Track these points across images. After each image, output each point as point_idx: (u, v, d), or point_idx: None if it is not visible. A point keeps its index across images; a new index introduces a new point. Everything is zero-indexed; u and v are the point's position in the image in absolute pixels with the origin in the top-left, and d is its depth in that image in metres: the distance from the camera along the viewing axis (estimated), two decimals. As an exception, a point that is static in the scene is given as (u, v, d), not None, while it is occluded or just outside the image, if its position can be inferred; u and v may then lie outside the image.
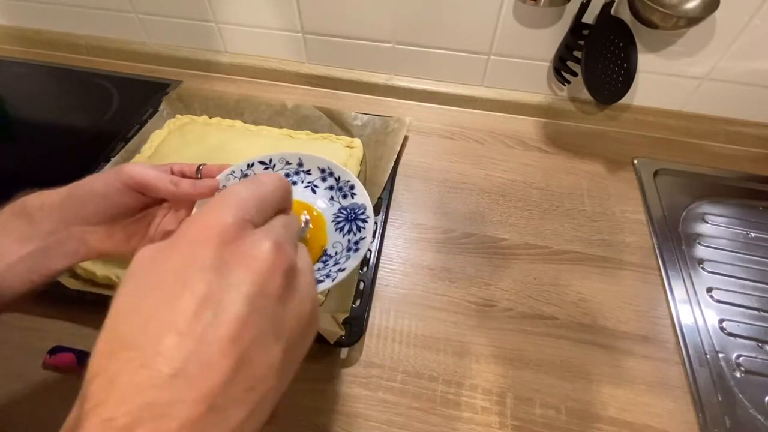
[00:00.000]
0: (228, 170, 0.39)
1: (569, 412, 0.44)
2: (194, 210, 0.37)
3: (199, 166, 0.38)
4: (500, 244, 0.57)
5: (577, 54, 0.62)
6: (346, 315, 0.47)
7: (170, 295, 0.17)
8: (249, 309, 0.17)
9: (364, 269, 0.52)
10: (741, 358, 0.48)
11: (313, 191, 0.42)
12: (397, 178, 0.63)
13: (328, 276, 0.35)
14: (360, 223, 0.40)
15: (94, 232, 0.35)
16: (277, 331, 0.19)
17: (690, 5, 0.54)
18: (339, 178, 0.42)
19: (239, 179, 0.38)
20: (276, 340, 0.18)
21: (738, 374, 0.47)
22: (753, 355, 0.49)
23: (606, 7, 0.57)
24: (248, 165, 0.40)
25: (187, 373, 0.16)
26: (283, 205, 0.24)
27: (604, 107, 0.69)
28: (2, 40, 0.80)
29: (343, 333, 0.45)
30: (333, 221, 0.41)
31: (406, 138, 0.65)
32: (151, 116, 0.66)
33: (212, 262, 0.18)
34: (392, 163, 0.60)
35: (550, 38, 0.63)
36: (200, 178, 0.37)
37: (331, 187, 0.42)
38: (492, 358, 0.47)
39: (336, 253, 0.38)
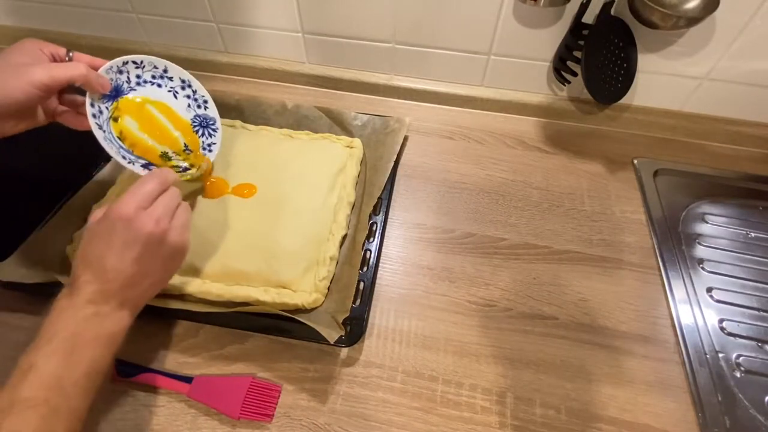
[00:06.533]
0: (107, 65, 0.46)
1: (569, 412, 0.44)
2: (86, 100, 0.44)
3: (68, 51, 0.45)
4: (500, 244, 0.57)
5: (577, 54, 0.62)
6: (346, 315, 0.47)
7: (107, 245, 0.37)
8: (142, 249, 0.37)
9: (364, 269, 0.52)
10: (741, 358, 0.48)
11: (175, 96, 0.53)
12: (397, 178, 0.63)
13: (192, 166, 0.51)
14: (211, 131, 0.54)
15: (7, 122, 0.42)
16: (156, 259, 0.39)
17: (690, 5, 0.54)
18: (195, 91, 0.54)
19: (116, 73, 0.48)
20: (156, 263, 0.39)
21: (738, 374, 0.47)
22: (753, 355, 0.49)
23: (606, 7, 0.57)
24: (123, 62, 0.49)
25: (118, 274, 0.37)
26: (164, 189, 0.40)
27: (604, 107, 0.69)
28: (2, 40, 0.79)
29: (343, 333, 0.45)
30: (191, 124, 0.54)
31: (406, 138, 0.65)
32: (151, 116, 0.66)
33: (124, 229, 0.37)
34: (392, 163, 0.60)
35: (550, 38, 0.63)
36: (70, 59, 0.44)
37: (188, 96, 0.54)
38: (492, 358, 0.47)
39: (195, 149, 0.53)
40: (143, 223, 0.37)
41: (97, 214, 0.39)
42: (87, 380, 0.34)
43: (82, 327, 0.35)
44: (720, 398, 0.45)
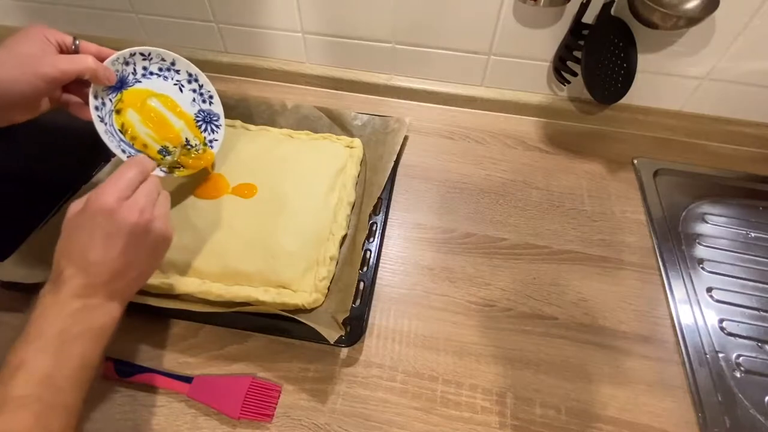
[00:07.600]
0: (114, 56, 0.46)
1: (569, 412, 0.44)
2: (89, 92, 0.44)
3: (74, 39, 0.44)
4: (500, 244, 0.57)
5: (577, 54, 0.62)
6: (346, 315, 0.47)
7: (89, 238, 0.36)
8: (127, 241, 0.36)
9: (364, 269, 0.52)
10: (741, 358, 0.48)
11: (180, 90, 0.53)
12: (397, 178, 0.63)
13: None
14: (214, 127, 0.54)
15: (13, 111, 0.42)
16: (142, 250, 0.38)
17: (690, 5, 0.54)
18: (202, 85, 0.54)
19: (122, 64, 0.47)
20: (143, 253, 0.38)
21: (738, 374, 0.47)
22: (753, 355, 0.49)
23: (606, 7, 0.57)
24: (131, 54, 0.48)
25: (104, 267, 0.36)
26: (144, 178, 0.40)
27: (604, 107, 0.69)
28: (3, 40, 0.80)
29: (343, 333, 0.45)
30: (194, 119, 0.54)
31: (406, 138, 0.65)
32: (151, 116, 0.66)
33: (107, 221, 0.36)
34: (392, 163, 0.60)
35: (550, 38, 0.63)
36: (76, 48, 0.44)
37: (194, 90, 0.53)
38: (492, 358, 0.47)
39: (196, 144, 0.53)
40: (127, 215, 0.36)
41: (75, 206, 0.37)
42: (79, 374, 0.34)
43: (70, 322, 0.34)
44: (720, 398, 0.45)
